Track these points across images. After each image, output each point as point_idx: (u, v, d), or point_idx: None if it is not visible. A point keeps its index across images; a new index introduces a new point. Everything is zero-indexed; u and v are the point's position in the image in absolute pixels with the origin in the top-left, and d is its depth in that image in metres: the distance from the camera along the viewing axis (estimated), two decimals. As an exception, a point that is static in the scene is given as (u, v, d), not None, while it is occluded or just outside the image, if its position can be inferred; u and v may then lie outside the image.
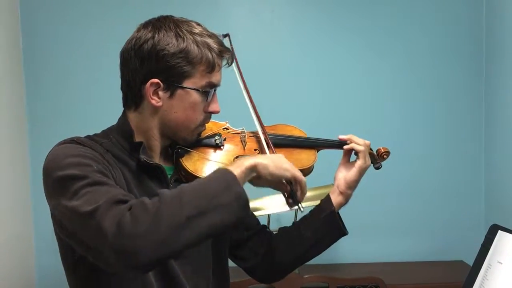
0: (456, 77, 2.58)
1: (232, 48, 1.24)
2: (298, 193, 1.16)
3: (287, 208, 1.20)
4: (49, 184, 1.05)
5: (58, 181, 1.01)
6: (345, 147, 1.35)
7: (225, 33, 1.27)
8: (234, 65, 1.26)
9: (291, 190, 1.16)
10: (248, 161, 1.06)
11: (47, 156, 1.08)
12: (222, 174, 1.01)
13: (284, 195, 1.19)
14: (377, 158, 1.41)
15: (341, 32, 2.55)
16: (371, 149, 1.39)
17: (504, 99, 2.38)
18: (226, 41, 1.25)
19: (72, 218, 0.98)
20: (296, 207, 1.18)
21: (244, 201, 0.99)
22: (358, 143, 1.34)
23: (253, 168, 1.06)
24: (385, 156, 1.41)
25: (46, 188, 1.06)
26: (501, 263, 1.21)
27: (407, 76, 2.57)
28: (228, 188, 0.98)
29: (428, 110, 2.59)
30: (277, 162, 1.11)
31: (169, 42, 1.12)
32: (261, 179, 1.09)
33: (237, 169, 1.02)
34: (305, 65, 2.55)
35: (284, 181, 1.15)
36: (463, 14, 2.57)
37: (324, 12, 2.54)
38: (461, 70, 2.58)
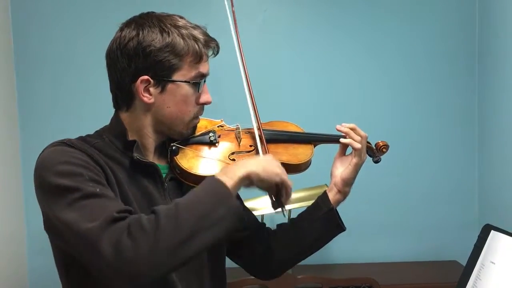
0: (449, 77, 2.59)
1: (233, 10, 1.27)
2: (283, 198, 1.16)
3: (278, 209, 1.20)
4: (40, 189, 1.05)
5: (50, 189, 1.01)
6: (342, 140, 1.32)
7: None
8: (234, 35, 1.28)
9: (277, 192, 1.16)
10: (240, 171, 1.06)
11: (38, 158, 1.08)
12: (216, 189, 1.02)
13: (271, 197, 1.19)
14: (375, 152, 1.38)
15: (334, 30, 2.55)
16: (369, 143, 1.36)
17: (498, 98, 2.38)
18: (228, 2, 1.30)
19: (66, 232, 0.98)
20: (280, 209, 1.18)
21: (238, 214, 1.03)
22: (356, 139, 1.30)
23: (245, 178, 1.07)
24: (384, 150, 1.39)
25: (37, 191, 1.06)
26: (494, 263, 1.21)
27: (400, 76, 2.58)
28: (223, 203, 1.01)
29: (422, 110, 2.59)
30: (268, 167, 1.11)
31: (154, 38, 1.11)
32: (253, 185, 1.11)
33: (230, 181, 1.03)
34: (298, 63, 2.55)
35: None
36: (456, 12, 2.58)
37: (317, 11, 2.55)
38: (454, 70, 2.58)
